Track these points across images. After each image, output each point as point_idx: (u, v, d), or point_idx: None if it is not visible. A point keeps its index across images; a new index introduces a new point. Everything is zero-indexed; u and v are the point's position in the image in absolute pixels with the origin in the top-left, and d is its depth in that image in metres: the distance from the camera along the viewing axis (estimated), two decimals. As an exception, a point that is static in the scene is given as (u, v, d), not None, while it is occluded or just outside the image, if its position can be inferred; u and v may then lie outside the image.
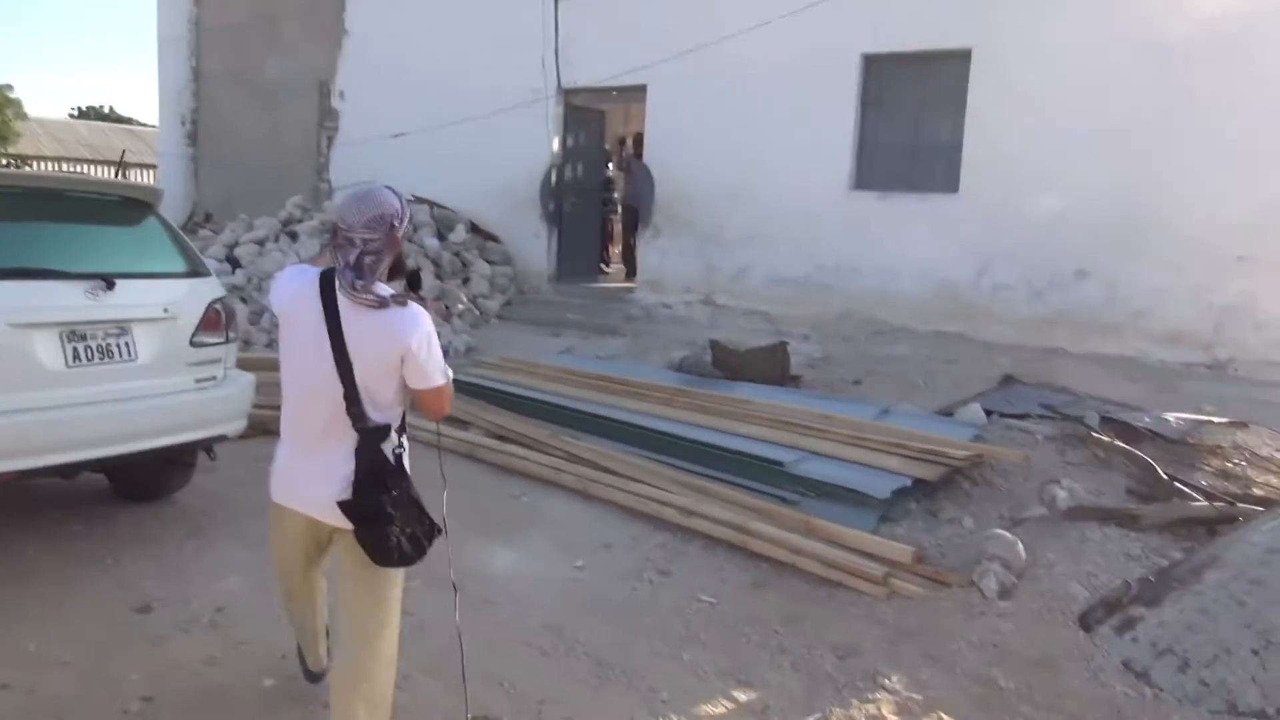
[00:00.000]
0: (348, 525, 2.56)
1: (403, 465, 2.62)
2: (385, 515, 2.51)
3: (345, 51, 12.47)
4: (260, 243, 9.98)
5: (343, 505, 2.52)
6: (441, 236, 10.55)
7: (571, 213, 11.12)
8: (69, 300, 3.96)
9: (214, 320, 4.52)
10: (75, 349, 3.96)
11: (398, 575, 2.69)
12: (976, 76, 8.22)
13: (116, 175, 19.14)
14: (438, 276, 10.04)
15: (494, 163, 11.06)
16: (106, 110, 48.31)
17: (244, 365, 5.05)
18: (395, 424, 2.62)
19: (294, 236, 10.01)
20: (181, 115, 14.33)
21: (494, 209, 11.14)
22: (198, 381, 4.45)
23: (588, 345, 9.20)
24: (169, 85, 14.37)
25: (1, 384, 3.75)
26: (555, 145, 10.82)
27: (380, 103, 11.94)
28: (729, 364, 6.78)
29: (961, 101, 8.32)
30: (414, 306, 2.52)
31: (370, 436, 2.53)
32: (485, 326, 10.09)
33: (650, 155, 10.14)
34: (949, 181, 8.47)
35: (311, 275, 2.57)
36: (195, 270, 4.62)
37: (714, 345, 6.87)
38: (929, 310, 8.50)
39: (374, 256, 2.50)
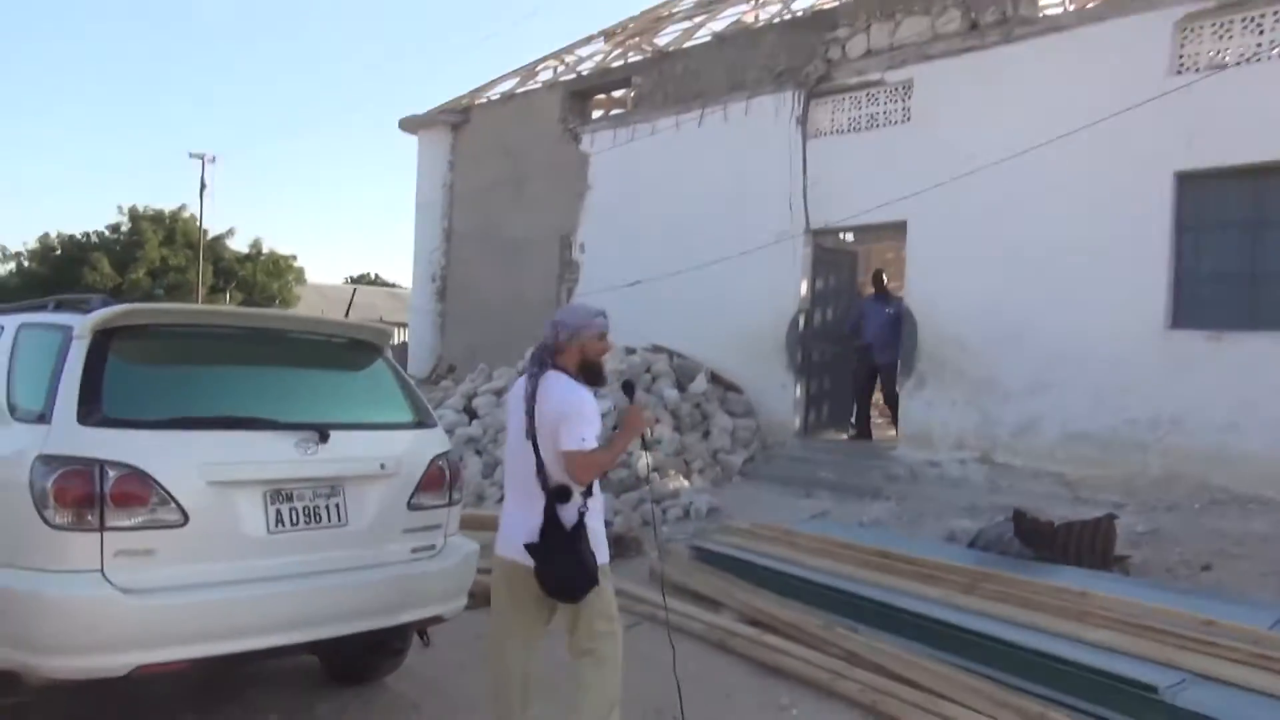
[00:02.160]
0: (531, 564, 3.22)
1: (582, 522, 3.21)
2: (549, 558, 3.17)
3: (586, 205, 12.47)
4: (498, 393, 9.69)
5: (527, 546, 3.19)
6: (681, 387, 9.87)
7: (821, 361, 10.16)
8: (277, 454, 3.39)
9: (437, 478, 3.86)
10: (279, 511, 3.36)
11: (605, 608, 3.32)
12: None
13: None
14: (676, 429, 9.30)
15: (736, 309, 10.39)
16: (373, 276, 53.50)
17: (469, 525, 4.38)
18: (578, 488, 3.22)
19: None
20: (432, 273, 14.87)
21: (736, 358, 10.39)
22: (414, 551, 3.76)
23: (845, 509, 8.02)
24: (423, 245, 15.03)
25: (194, 553, 3.17)
26: (803, 289, 10.02)
27: (620, 252, 11.71)
28: (1039, 540, 5.41)
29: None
30: (566, 380, 3.29)
31: (552, 495, 3.20)
32: (728, 485, 9.15)
33: (912, 295, 9.09)
34: (1306, 315, 6.85)
35: (528, 376, 3.37)
36: (421, 421, 4.02)
37: (1019, 517, 5.53)
38: (1289, 475, 6.74)
39: (544, 350, 3.35)
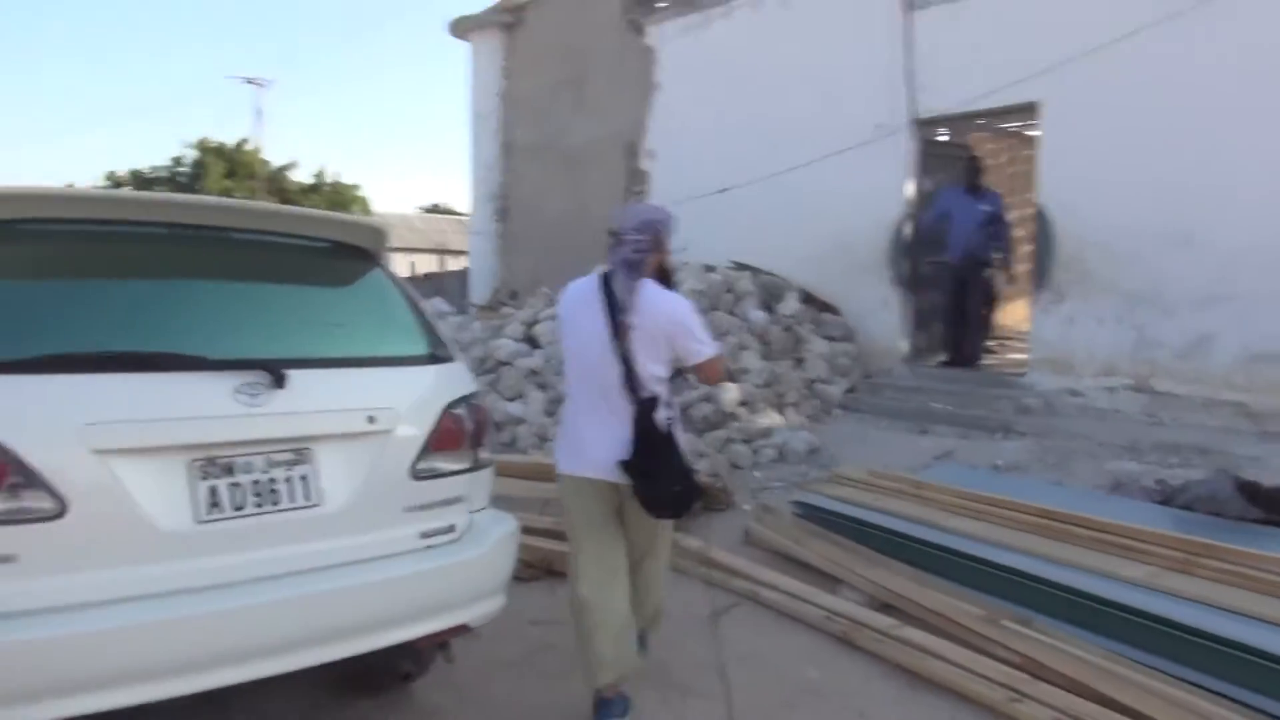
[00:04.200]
0: (627, 482, 3.00)
1: (672, 432, 3.06)
2: (655, 472, 2.97)
3: (655, 106, 11.08)
4: (560, 320, 8.54)
5: (623, 464, 2.97)
6: (768, 309, 8.59)
7: (930, 275, 8.75)
8: (206, 407, 2.29)
9: (454, 433, 2.74)
10: (213, 490, 2.28)
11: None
12: None
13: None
14: (765, 356, 8.06)
15: (829, 218, 9.00)
16: (447, 206, 52.71)
17: (509, 474, 3.55)
18: (664, 398, 3.05)
19: (597, 312, 8.48)
20: (491, 191, 13.71)
21: (830, 274, 9.03)
22: (424, 537, 2.66)
23: (972, 449, 6.73)
24: (480, 161, 13.84)
25: (78, 557, 2.12)
26: (909, 191, 8.57)
27: (693, 158, 10.35)
28: (1268, 505, 4.06)
29: None
30: (674, 294, 3.13)
31: (644, 407, 2.99)
32: (827, 419, 7.91)
33: (1047, 191, 7.59)
34: None
35: (592, 278, 3.16)
36: (432, 354, 2.87)
37: (1242, 482, 4.10)
38: None
39: (641, 255, 3.04)
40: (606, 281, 3.07)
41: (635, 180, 11.36)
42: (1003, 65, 7.58)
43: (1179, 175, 6.74)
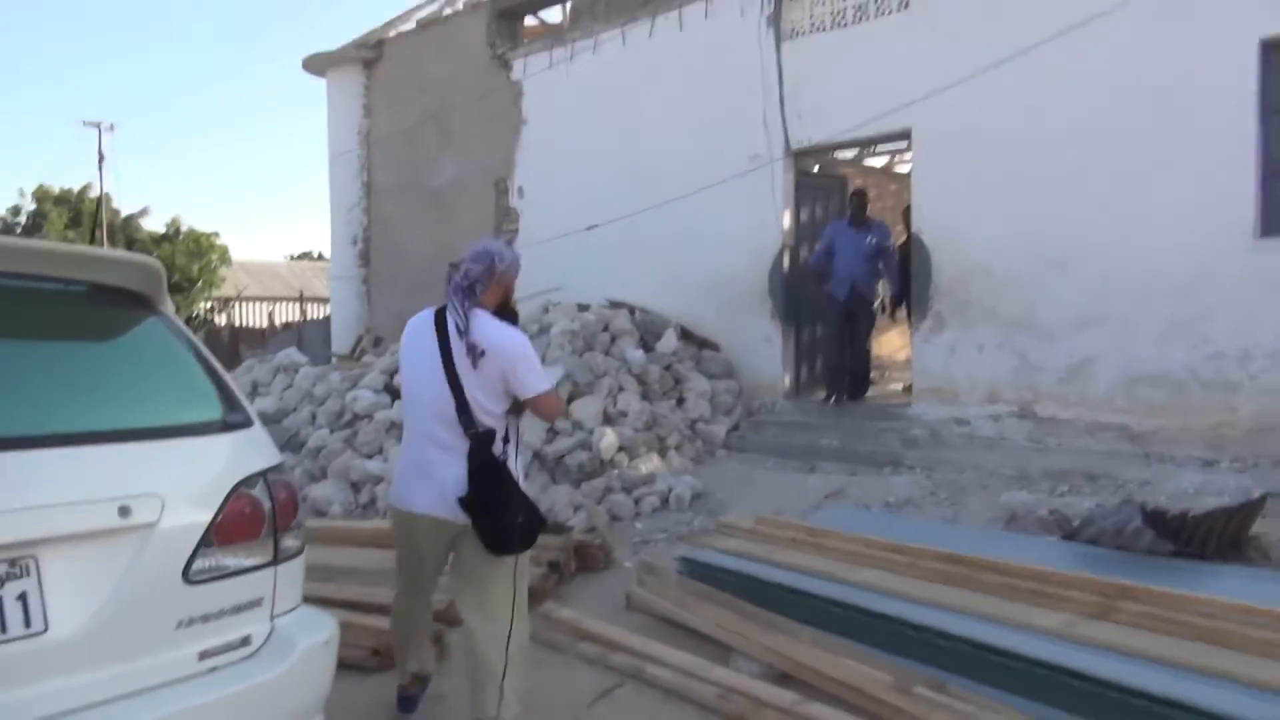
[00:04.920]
0: (467, 521, 2.94)
1: (508, 467, 3.00)
2: (496, 506, 2.92)
3: (523, 142, 10.65)
4: (425, 367, 7.92)
5: (462, 500, 2.92)
6: (647, 347, 8.19)
7: (812, 307, 8.53)
8: None
9: (245, 518, 2.18)
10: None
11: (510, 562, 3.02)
12: None
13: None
14: (645, 397, 7.63)
15: (707, 252, 8.71)
16: (317, 254, 50.80)
17: (360, 542, 3.18)
18: (500, 432, 3.00)
19: (465, 357, 7.90)
20: (353, 234, 12.97)
21: (710, 309, 8.72)
22: (205, 657, 2.08)
23: (862, 486, 6.43)
24: (340, 204, 13.09)
25: None
26: (785, 222, 8.36)
27: (565, 195, 9.94)
28: (1169, 534, 3.82)
29: None
30: (498, 320, 3.04)
31: (480, 440, 2.95)
32: (711, 461, 7.52)
33: (923, 219, 7.47)
34: None
35: (427, 312, 3.16)
36: (224, 421, 2.30)
37: (1149, 513, 3.84)
38: None
39: (471, 281, 3.03)
40: (441, 313, 3.08)
41: (505, 219, 10.88)
42: (875, 94, 7.47)
43: (1051, 200, 6.69)
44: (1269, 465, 5.66)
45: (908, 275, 7.72)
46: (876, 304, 8.14)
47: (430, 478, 3.00)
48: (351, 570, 4.95)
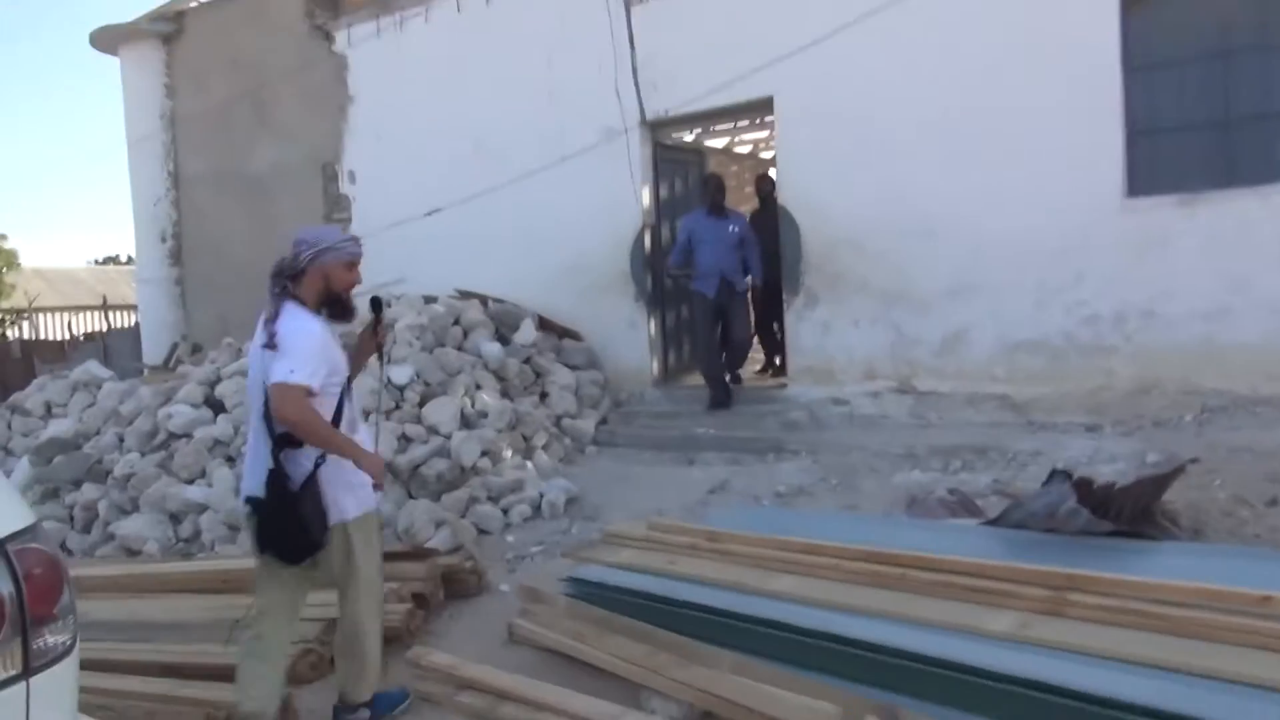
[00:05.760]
0: None
1: (315, 474, 2.89)
2: (265, 513, 2.91)
3: (351, 122, 9.72)
4: (251, 375, 6.99)
5: (248, 499, 2.98)
6: (503, 340, 7.54)
7: (676, 287, 8.09)
8: None
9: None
10: None
11: (352, 560, 3.05)
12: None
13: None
14: (505, 394, 6.99)
15: (561, 235, 8.13)
16: (124, 259, 46.80)
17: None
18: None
19: (299, 361, 7.01)
20: (161, 231, 11.61)
21: (568, 295, 8.14)
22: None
23: (747, 476, 6.03)
24: (144, 197, 11.68)
25: None
26: (645, 198, 7.86)
27: (402, 178, 9.11)
28: (1095, 503, 3.54)
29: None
30: (300, 312, 2.95)
31: (278, 442, 2.89)
32: (581, 460, 6.96)
33: (788, 191, 7.14)
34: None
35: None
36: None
37: (1078, 483, 3.54)
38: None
39: (287, 272, 2.98)
40: (275, 301, 3.00)
41: (335, 206, 9.92)
42: (734, 61, 7.08)
43: (918, 166, 6.47)
44: (1151, 427, 5.60)
45: (772, 261, 7.30)
46: (746, 292, 7.47)
47: (247, 479, 3.05)
48: (173, 625, 4.12)
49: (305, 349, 2.86)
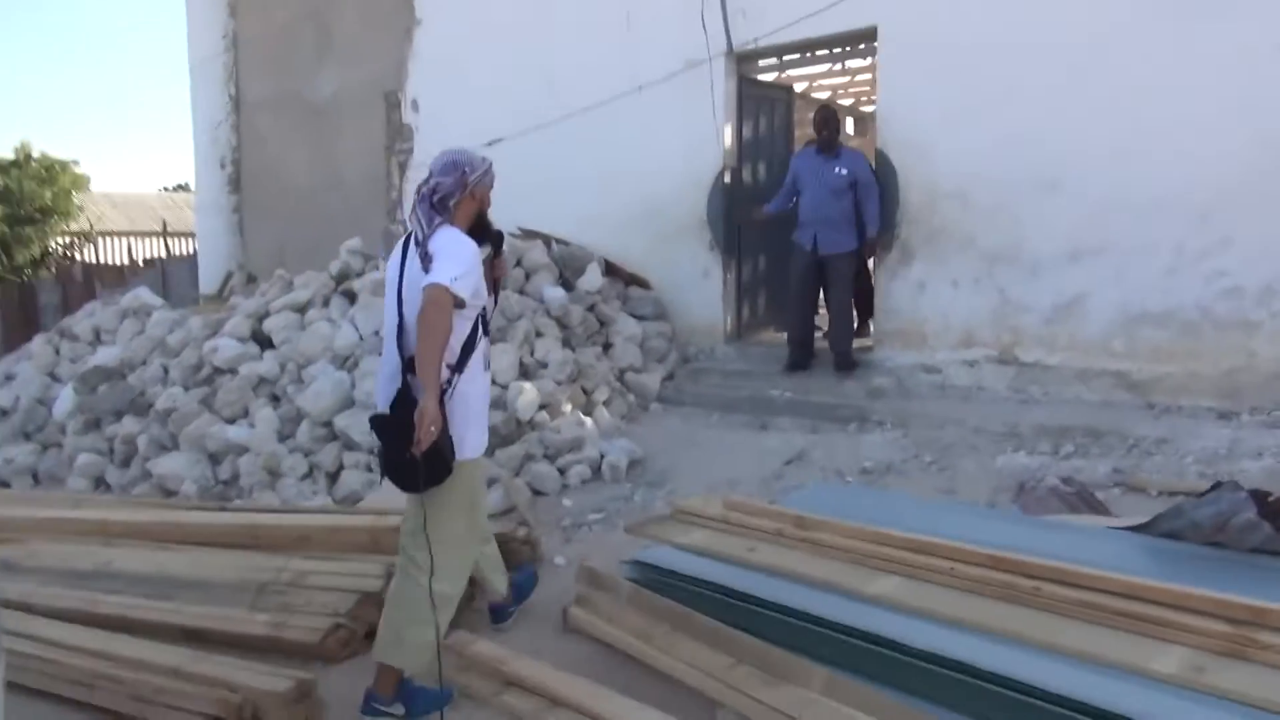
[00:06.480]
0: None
1: (440, 398, 2.66)
2: (394, 435, 2.69)
3: (417, 47, 9.20)
4: (301, 309, 6.61)
5: (372, 420, 2.86)
6: (567, 285, 7.04)
7: (756, 237, 7.47)
8: None
9: None
10: None
11: (450, 506, 2.85)
12: None
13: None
14: (566, 343, 6.51)
15: (635, 172, 7.55)
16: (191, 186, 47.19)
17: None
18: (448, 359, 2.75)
19: (352, 297, 6.61)
20: (220, 157, 11.31)
21: (638, 240, 7.59)
22: None
23: (827, 447, 5.48)
24: (204, 121, 11.39)
25: None
26: (727, 138, 7.23)
27: (466, 108, 8.58)
28: (1272, 515, 2.93)
29: None
30: (444, 231, 2.83)
31: (408, 364, 2.75)
32: (645, 419, 6.47)
33: (888, 135, 6.45)
34: None
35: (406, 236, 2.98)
36: None
37: (1256, 494, 2.91)
38: None
39: (444, 195, 2.86)
40: (407, 238, 2.94)
41: (398, 136, 9.45)
42: (831, -16, 6.36)
43: (1042, 109, 5.73)
44: (1297, 418, 4.92)
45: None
46: (854, 250, 6.49)
47: (379, 401, 2.94)
48: (197, 584, 3.74)
49: (468, 259, 2.76)
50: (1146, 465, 4.62)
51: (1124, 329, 5.60)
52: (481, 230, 2.97)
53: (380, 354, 3.08)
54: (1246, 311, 5.21)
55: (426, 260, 2.74)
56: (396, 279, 2.88)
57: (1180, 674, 2.36)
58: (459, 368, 2.80)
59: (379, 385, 2.96)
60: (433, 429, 2.57)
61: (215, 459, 5.62)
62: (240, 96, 11.14)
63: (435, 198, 2.84)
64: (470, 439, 2.87)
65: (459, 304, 2.70)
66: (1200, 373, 5.33)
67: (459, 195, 2.86)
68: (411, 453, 2.60)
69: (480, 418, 2.97)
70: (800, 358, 6.67)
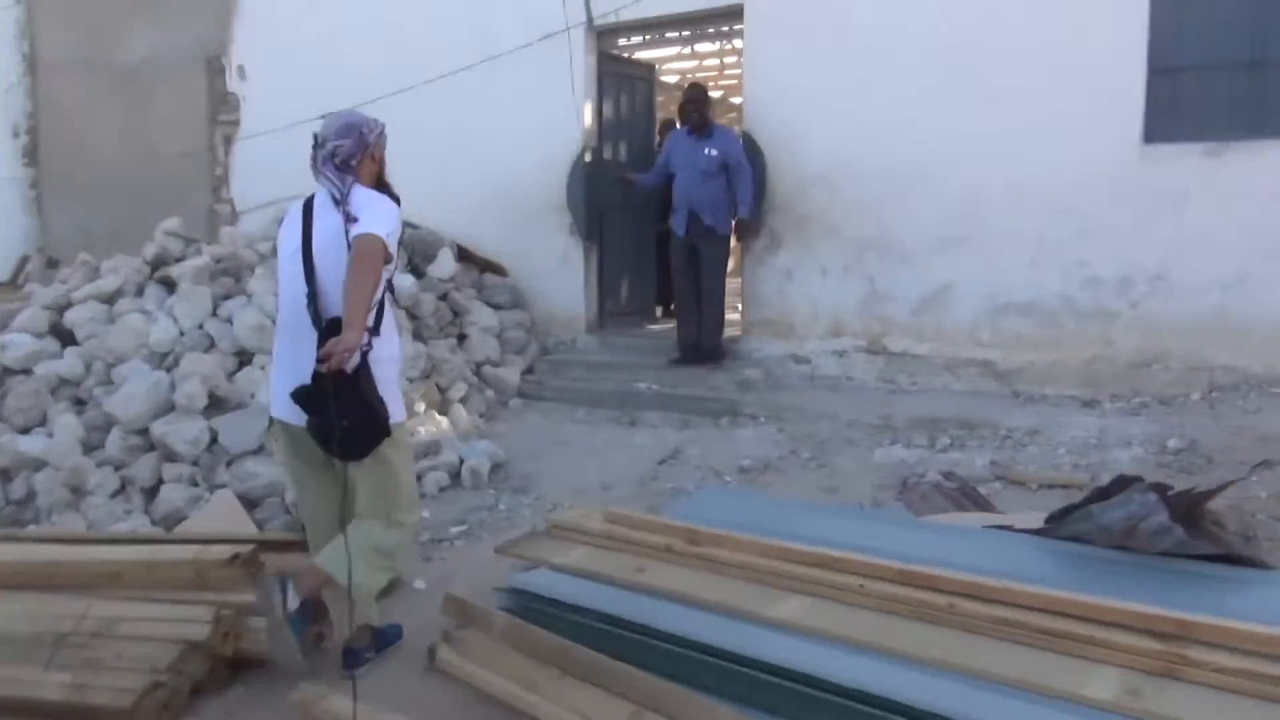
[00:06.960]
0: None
1: (365, 360, 2.65)
2: (322, 405, 2.54)
3: (242, 8, 8.38)
4: (110, 299, 5.81)
5: (294, 393, 2.62)
6: (417, 272, 6.51)
7: (618, 221, 7.16)
8: None
9: None
10: None
11: (386, 461, 2.79)
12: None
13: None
14: (418, 335, 6.01)
15: (488, 151, 7.09)
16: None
17: None
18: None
19: (170, 286, 5.86)
20: (14, 124, 10.03)
21: (492, 223, 7.13)
22: None
23: (701, 443, 5.24)
24: (-8, 83, 10.08)
25: None
26: (587, 116, 6.87)
27: (300, 76, 7.87)
28: (1190, 522, 2.84)
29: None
30: (360, 190, 2.77)
31: (328, 330, 2.60)
32: (505, 416, 6.06)
33: (754, 119, 6.25)
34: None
35: (299, 201, 2.92)
36: None
37: (1161, 491, 2.80)
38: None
39: (345, 158, 2.79)
40: (310, 200, 2.88)
41: (221, 105, 8.59)
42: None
43: (910, 99, 5.68)
44: (1155, 405, 5.02)
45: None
46: (727, 235, 6.29)
47: (285, 378, 2.77)
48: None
49: (392, 218, 2.74)
50: (1021, 456, 4.59)
51: (990, 318, 5.62)
52: (381, 191, 2.88)
53: (271, 351, 2.99)
54: (1105, 301, 5.30)
55: (350, 219, 2.67)
56: (299, 245, 2.78)
57: (1116, 700, 2.19)
58: (375, 330, 2.74)
59: (279, 374, 2.85)
60: (346, 355, 2.43)
61: (6, 475, 4.83)
62: (36, 56, 9.90)
63: (337, 160, 2.78)
64: (393, 404, 2.80)
65: (387, 259, 2.65)
66: (1063, 361, 5.40)
67: (360, 156, 2.82)
68: (348, 418, 2.54)
69: (396, 384, 2.91)
70: (686, 346, 6.37)
